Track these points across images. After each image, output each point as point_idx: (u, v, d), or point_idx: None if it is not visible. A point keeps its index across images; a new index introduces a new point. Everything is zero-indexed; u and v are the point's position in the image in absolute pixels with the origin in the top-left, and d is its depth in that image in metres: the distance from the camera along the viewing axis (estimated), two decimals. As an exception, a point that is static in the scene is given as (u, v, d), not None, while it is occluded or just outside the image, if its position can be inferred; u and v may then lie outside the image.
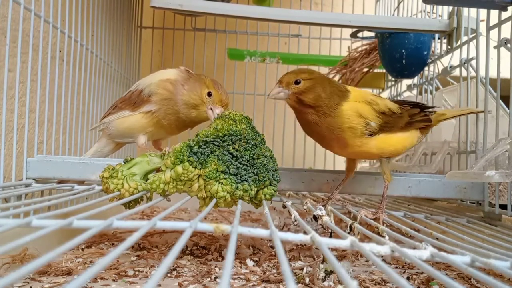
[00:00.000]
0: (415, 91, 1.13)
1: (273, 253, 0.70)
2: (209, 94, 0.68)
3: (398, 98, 1.26)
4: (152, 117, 0.71)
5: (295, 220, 0.49)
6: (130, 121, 0.72)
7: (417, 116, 0.64)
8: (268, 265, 0.65)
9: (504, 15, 0.66)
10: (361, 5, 1.45)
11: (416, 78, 1.09)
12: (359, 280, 0.59)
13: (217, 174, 0.55)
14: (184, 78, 0.71)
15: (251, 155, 0.57)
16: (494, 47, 0.68)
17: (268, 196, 0.57)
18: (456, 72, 0.86)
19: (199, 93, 0.68)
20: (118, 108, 0.73)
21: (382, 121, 0.60)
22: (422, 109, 0.66)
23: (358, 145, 0.60)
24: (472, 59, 0.79)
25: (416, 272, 0.64)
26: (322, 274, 0.56)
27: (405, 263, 0.68)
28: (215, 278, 0.57)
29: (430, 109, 0.67)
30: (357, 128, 0.59)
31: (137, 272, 0.59)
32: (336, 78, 1.27)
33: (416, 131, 0.65)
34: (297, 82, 0.59)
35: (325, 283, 0.56)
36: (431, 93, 1.02)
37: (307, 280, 0.57)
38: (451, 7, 0.89)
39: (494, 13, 0.67)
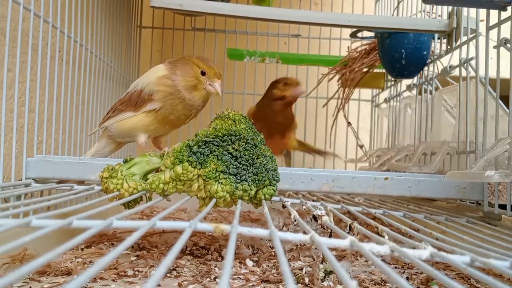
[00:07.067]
0: (414, 91, 1.13)
1: (273, 253, 0.70)
2: (203, 73, 0.71)
3: (398, 98, 1.25)
4: (156, 115, 0.72)
5: (295, 220, 0.49)
6: (132, 121, 0.73)
7: None
8: (268, 265, 0.65)
9: (504, 15, 0.66)
10: (361, 5, 1.45)
11: (415, 78, 1.09)
12: (359, 280, 0.59)
13: (217, 174, 0.55)
14: (172, 68, 0.73)
15: (250, 155, 0.57)
16: (494, 47, 0.68)
17: (267, 196, 0.57)
18: (456, 72, 0.86)
19: (192, 73, 0.71)
20: (118, 111, 0.74)
21: None
22: None
23: None
24: (471, 59, 0.79)
25: (416, 272, 0.64)
26: (321, 274, 0.56)
27: (405, 263, 0.68)
28: (214, 278, 0.57)
29: None
30: None
31: (136, 272, 0.59)
32: (336, 78, 1.27)
33: None
34: None
35: (325, 283, 0.56)
36: (430, 93, 1.02)
37: (306, 280, 0.57)
38: (450, 7, 0.88)
39: (494, 13, 0.67)
